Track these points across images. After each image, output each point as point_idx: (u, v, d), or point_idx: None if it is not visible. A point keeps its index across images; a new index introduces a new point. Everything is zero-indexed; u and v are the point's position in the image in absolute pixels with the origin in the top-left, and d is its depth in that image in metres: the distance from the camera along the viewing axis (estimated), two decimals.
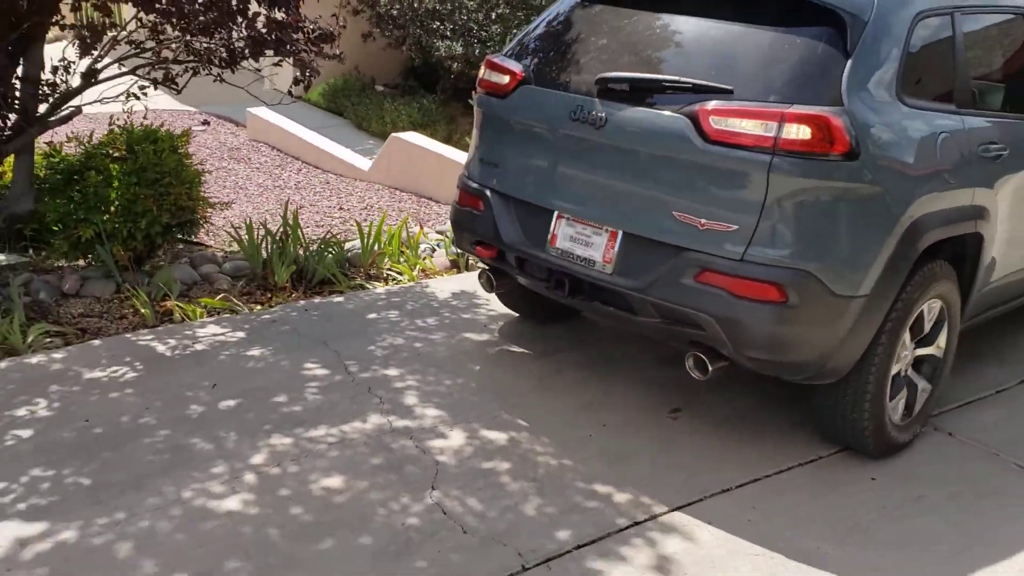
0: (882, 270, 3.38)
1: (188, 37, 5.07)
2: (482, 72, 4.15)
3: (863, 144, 3.25)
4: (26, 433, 3.54)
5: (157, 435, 3.55)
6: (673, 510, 3.27)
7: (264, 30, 5.16)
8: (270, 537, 2.97)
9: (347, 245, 5.90)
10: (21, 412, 3.69)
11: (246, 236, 5.55)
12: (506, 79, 3.99)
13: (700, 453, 3.64)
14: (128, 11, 5.22)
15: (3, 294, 4.78)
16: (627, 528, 3.13)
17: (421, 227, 6.77)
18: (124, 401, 3.81)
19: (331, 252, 5.57)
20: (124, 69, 5.26)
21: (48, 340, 4.40)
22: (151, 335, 4.47)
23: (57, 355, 4.22)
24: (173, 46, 5.12)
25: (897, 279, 3.45)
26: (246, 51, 5.25)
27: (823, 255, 3.28)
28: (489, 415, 3.81)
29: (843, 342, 3.39)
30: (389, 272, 5.63)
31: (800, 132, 3.16)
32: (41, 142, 5.50)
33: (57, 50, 5.33)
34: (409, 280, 5.49)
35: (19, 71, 4.99)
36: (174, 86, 5.40)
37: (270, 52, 5.28)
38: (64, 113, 5.10)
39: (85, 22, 4.94)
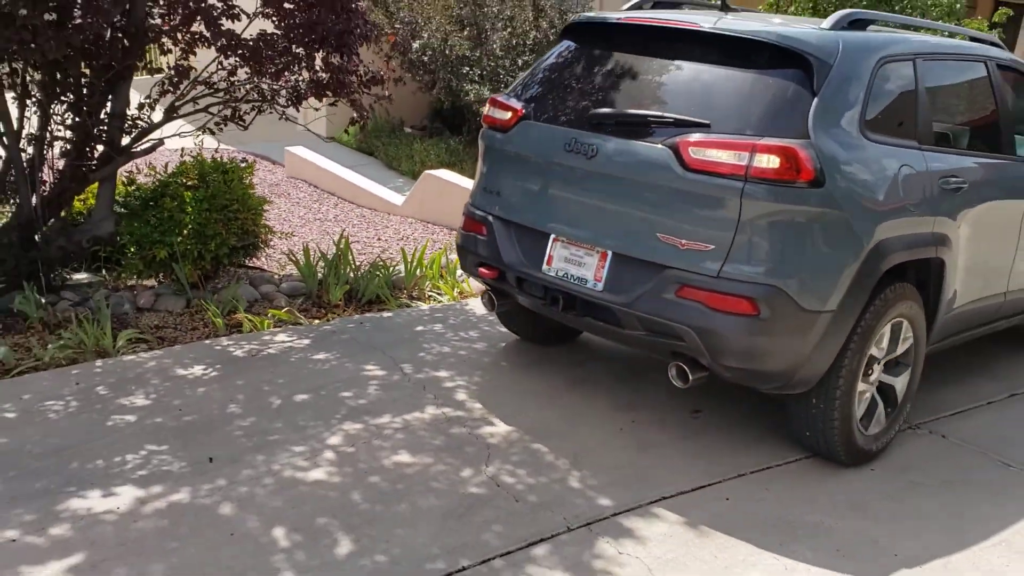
0: (847, 288, 3.68)
1: (258, 80, 5.67)
2: (486, 109, 4.57)
3: (828, 173, 3.57)
4: (130, 418, 4.06)
5: (244, 421, 4.06)
6: (696, 488, 3.75)
7: (323, 74, 5.76)
8: (352, 500, 3.47)
9: (392, 269, 6.44)
10: (123, 402, 4.22)
11: (303, 259, 6.11)
12: (508, 115, 4.37)
13: (719, 446, 4.12)
14: (203, 54, 5.83)
15: (89, 306, 5.32)
16: (658, 500, 3.62)
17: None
18: (210, 394, 4.33)
19: (379, 274, 6.11)
20: (199, 107, 5.85)
21: (134, 344, 4.94)
22: (227, 341, 5.01)
23: (145, 356, 4.75)
24: (246, 87, 5.71)
25: (861, 297, 3.75)
26: (308, 92, 5.85)
27: (792, 272, 3.58)
28: (531, 410, 4.31)
29: (811, 354, 3.68)
30: (430, 293, 6.17)
31: (769, 161, 3.50)
32: (121, 172, 6.08)
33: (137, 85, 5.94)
34: (450, 299, 6.02)
35: (108, 107, 5.58)
36: (241, 123, 5.99)
37: (328, 93, 5.87)
38: (147, 145, 5.68)
39: (171, 66, 5.53)
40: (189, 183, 5.84)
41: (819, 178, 3.55)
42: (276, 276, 6.43)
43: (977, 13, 13.36)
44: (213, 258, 5.83)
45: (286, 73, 5.65)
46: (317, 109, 6.27)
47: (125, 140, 5.69)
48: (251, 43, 5.35)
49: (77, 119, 5.46)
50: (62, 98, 5.44)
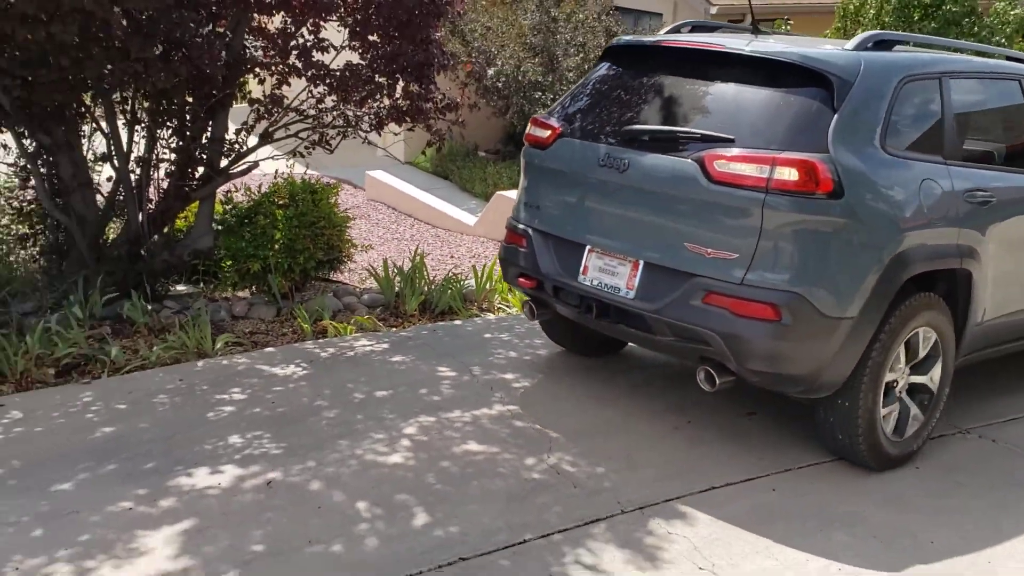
0: (868, 296, 3.82)
1: (344, 107, 6.15)
2: (528, 129, 4.81)
3: (847, 186, 3.74)
4: (229, 409, 4.51)
5: (329, 413, 4.47)
6: (745, 480, 4.01)
7: (403, 102, 6.21)
8: (426, 480, 3.84)
9: (463, 283, 6.84)
10: (221, 396, 4.67)
11: (382, 273, 6.55)
12: (547, 133, 4.60)
13: (769, 444, 4.37)
14: (295, 84, 6.34)
15: (189, 313, 5.82)
16: (707, 489, 3.90)
17: None
18: (299, 390, 4.76)
19: (451, 287, 6.50)
20: (289, 132, 6.36)
21: (230, 347, 5.41)
22: (313, 345, 5.45)
23: (240, 358, 5.22)
24: (332, 114, 6.19)
25: (882, 304, 3.87)
26: (388, 119, 6.31)
27: (812, 280, 3.75)
28: (591, 409, 4.62)
29: (834, 358, 3.83)
30: (499, 305, 6.53)
31: (789, 174, 3.69)
32: (219, 192, 6.62)
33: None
34: (517, 311, 6.37)
35: (208, 132, 6.12)
36: (328, 147, 6.48)
37: (407, 119, 6.32)
38: (243, 167, 6.21)
39: (264, 94, 6.04)
40: (280, 202, 6.34)
41: (838, 190, 3.72)
42: (357, 289, 6.88)
43: None
44: (302, 271, 6.31)
45: (369, 100, 6.11)
46: (396, 134, 6.73)
47: (223, 162, 6.22)
48: (338, 73, 5.83)
49: (180, 143, 6.01)
50: (167, 124, 6.00)
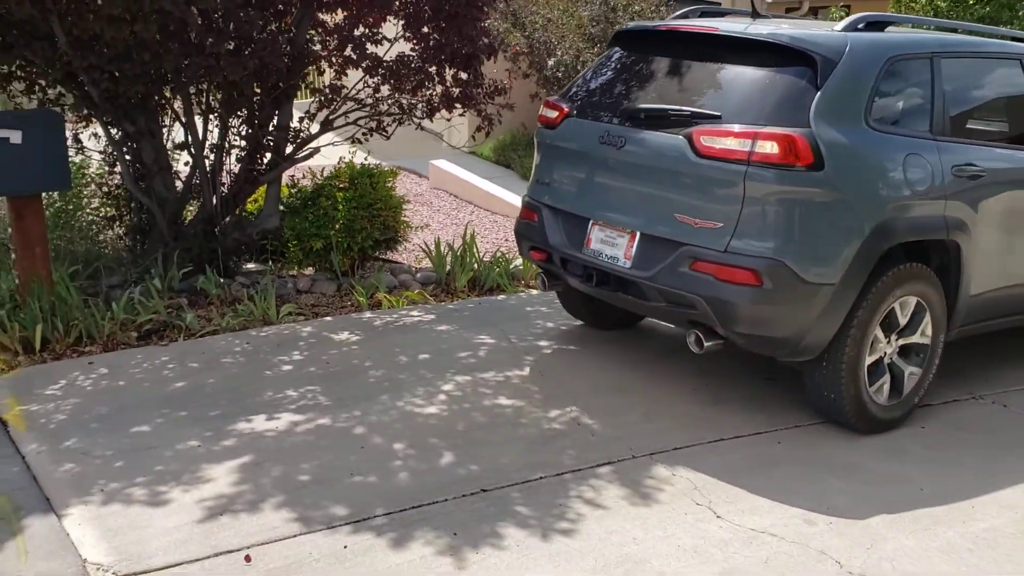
0: (850, 264, 4.01)
1: (399, 95, 6.61)
2: (541, 110, 5.14)
3: (828, 159, 3.93)
4: (288, 367, 5.00)
5: (377, 372, 4.93)
6: (754, 434, 4.32)
7: (454, 89, 6.64)
8: (456, 427, 4.27)
9: (512, 263, 7.24)
10: (282, 357, 5.17)
11: (435, 251, 7.00)
12: (555, 114, 4.91)
13: (783, 404, 4.65)
14: (352, 75, 6.82)
15: (257, 287, 6.36)
16: (716, 441, 4.23)
17: None
18: (352, 352, 5.23)
19: (499, 265, 6.91)
20: (349, 120, 6.85)
21: (293, 316, 5.92)
22: (368, 315, 5.93)
23: (301, 325, 5.72)
24: (388, 102, 6.66)
25: (863, 272, 4.06)
26: (440, 105, 6.75)
27: (793, 247, 3.95)
28: (616, 371, 4.99)
29: (815, 323, 4.02)
30: None
31: (770, 147, 3.90)
32: (285, 176, 7.15)
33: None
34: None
35: (275, 120, 6.64)
36: (384, 133, 6.95)
37: (458, 106, 6.75)
38: (306, 152, 6.72)
39: (324, 85, 6.54)
40: (341, 185, 6.84)
41: (818, 163, 3.92)
42: (413, 267, 7.35)
43: None
44: (360, 249, 6.79)
45: (421, 89, 6.56)
46: (448, 119, 7.15)
47: (288, 148, 6.74)
48: (391, 63, 6.29)
49: (250, 131, 6.54)
50: (238, 113, 6.54)
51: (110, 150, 6.64)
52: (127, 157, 6.45)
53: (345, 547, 3.29)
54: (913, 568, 3.29)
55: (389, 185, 7.03)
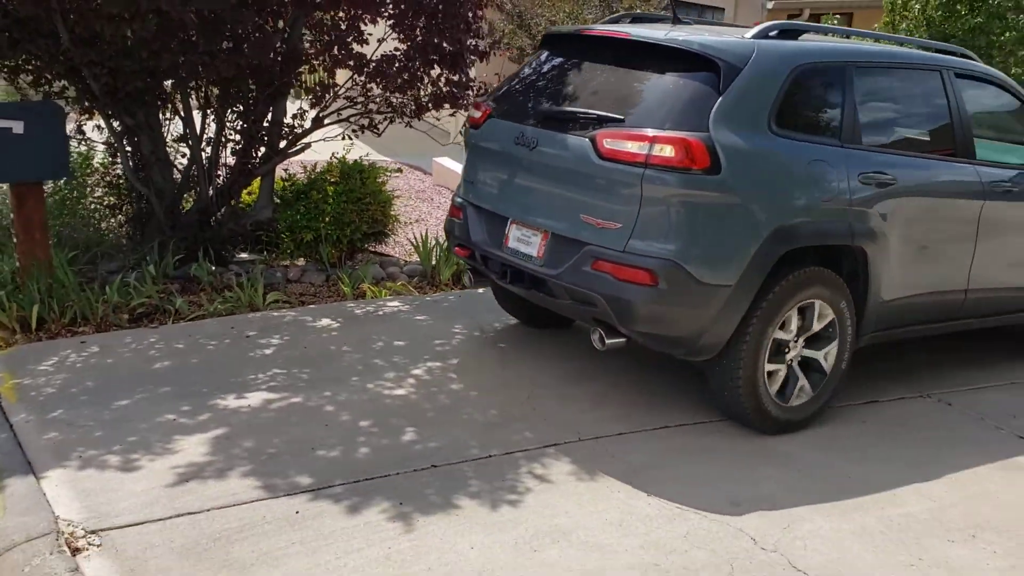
0: (746, 266, 4.07)
1: (387, 94, 6.89)
2: (469, 110, 5.31)
3: (726, 163, 4.00)
4: (268, 351, 5.28)
5: (352, 357, 5.21)
6: (696, 423, 4.55)
7: (445, 89, 6.90)
8: (422, 408, 4.54)
9: None
10: (264, 341, 5.45)
11: (422, 245, 7.26)
12: (479, 114, 5.02)
13: None
14: (343, 74, 7.10)
15: (249, 275, 6.64)
16: (661, 428, 4.47)
17: None
18: (331, 338, 5.51)
19: None
20: (340, 117, 7.13)
21: (278, 304, 6.20)
22: (351, 304, 6.20)
23: (286, 312, 6.00)
24: (377, 100, 6.93)
25: (760, 275, 4.12)
26: (429, 104, 7.01)
27: (688, 249, 4.03)
28: (578, 363, 5.22)
29: (712, 323, 4.11)
30: None
31: (665, 151, 3.98)
32: (281, 169, 7.44)
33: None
34: None
35: (269, 116, 6.93)
36: (375, 131, 7.23)
37: (447, 105, 7.01)
38: (298, 148, 7.00)
39: (316, 83, 6.83)
40: (332, 180, 7.12)
41: (715, 166, 4.00)
42: (402, 261, 7.61)
43: None
44: (349, 241, 7.07)
45: (411, 88, 6.83)
46: (437, 118, 7.42)
47: (282, 144, 7.03)
48: (376, 63, 6.56)
49: (245, 126, 6.83)
50: (234, 109, 6.83)
51: (112, 141, 6.94)
52: (127, 149, 6.75)
53: (297, 512, 3.56)
54: (824, 547, 3.53)
55: (380, 181, 7.31)
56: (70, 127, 6.79)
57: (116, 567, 3.18)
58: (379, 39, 6.78)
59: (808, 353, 4.52)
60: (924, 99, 5.00)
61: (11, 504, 3.57)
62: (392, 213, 7.44)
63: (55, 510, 3.52)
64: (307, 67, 6.89)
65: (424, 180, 13.25)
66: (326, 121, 7.08)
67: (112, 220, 7.37)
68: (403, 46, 6.69)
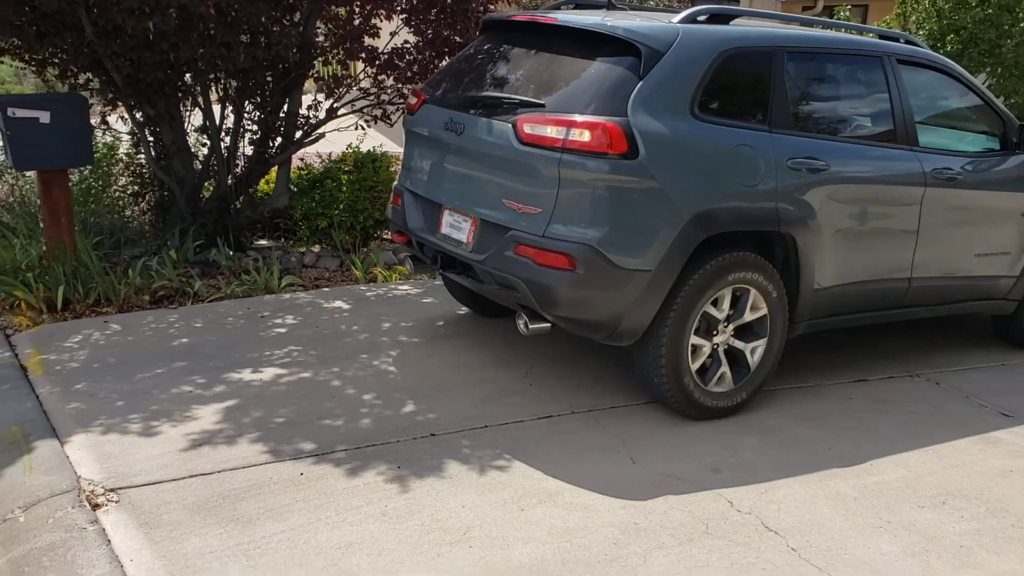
0: (666, 251, 4.04)
1: (399, 85, 7.12)
2: (408, 97, 5.35)
3: (644, 147, 3.96)
4: (281, 330, 5.53)
5: (360, 336, 5.45)
6: None
7: None
8: (423, 383, 4.77)
9: None
10: (278, 320, 5.70)
11: None
12: (415, 100, 5.02)
13: None
14: (357, 65, 7.34)
15: (265, 260, 6.91)
16: (651, 402, 4.65)
17: None
18: (341, 318, 5.76)
19: None
20: (354, 108, 7.37)
21: (293, 287, 6.45)
22: (363, 288, 6.45)
23: (301, 295, 6.26)
24: (389, 92, 7.17)
25: (680, 260, 4.09)
26: None
27: (605, 233, 3.98)
28: (578, 344, 5.42)
29: (631, 308, 4.09)
30: None
31: (581, 135, 3.94)
32: (298, 158, 7.70)
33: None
34: None
35: (285, 107, 7.18)
36: (388, 121, 7.46)
37: None
38: (313, 138, 7.25)
39: (329, 75, 7.07)
40: (346, 169, 7.37)
41: (632, 151, 3.96)
42: None
43: None
44: (362, 228, 7.32)
45: (420, 80, 7.05)
46: None
47: (297, 134, 7.28)
48: (386, 55, 6.79)
49: (262, 116, 7.09)
50: (251, 100, 7.09)
51: (136, 132, 7.22)
52: (149, 139, 7.03)
53: (301, 474, 3.80)
54: (797, 510, 3.71)
55: (392, 170, 7.55)
56: (95, 119, 7.09)
57: (132, 520, 3.43)
58: (391, 32, 7.01)
59: (736, 344, 4.50)
60: (862, 85, 4.92)
61: (36, 465, 3.83)
62: None
63: (77, 471, 3.78)
64: (321, 59, 7.12)
65: None
66: (340, 112, 7.33)
67: (135, 207, 7.66)
68: (415, 39, 6.91)
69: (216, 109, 7.16)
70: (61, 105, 5.88)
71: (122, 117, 7.43)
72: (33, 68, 6.74)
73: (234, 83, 7.00)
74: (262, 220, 7.42)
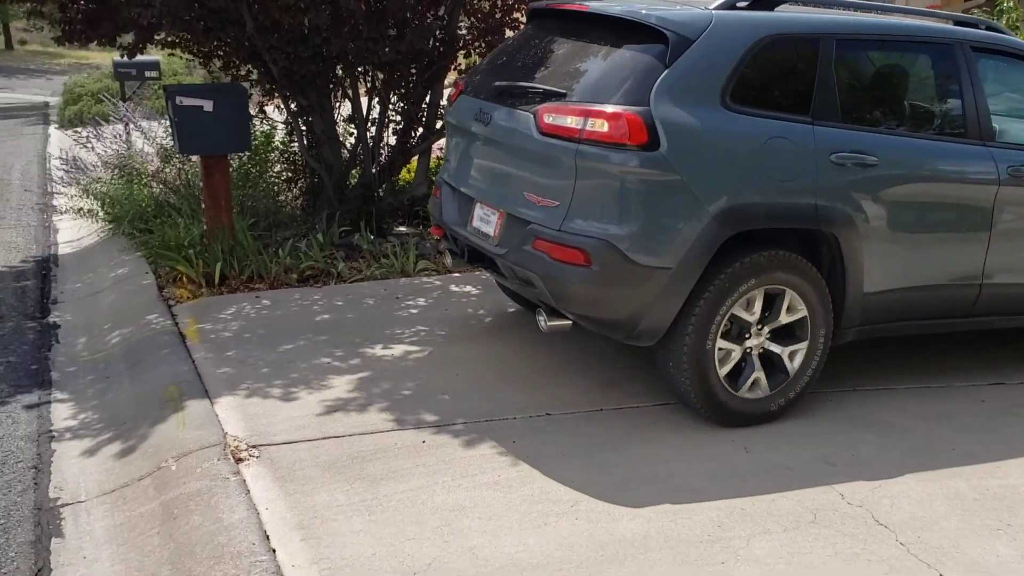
0: (688, 248, 3.81)
1: None
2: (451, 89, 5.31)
3: (667, 138, 3.74)
4: (413, 311, 5.82)
5: (486, 319, 5.68)
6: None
7: None
8: (545, 365, 4.94)
9: None
10: (410, 302, 6.00)
11: None
12: (453, 91, 4.99)
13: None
14: None
15: (404, 245, 7.23)
16: (665, 404, 4.63)
17: None
18: (470, 302, 6.00)
19: None
20: None
21: (427, 271, 6.74)
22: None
23: (433, 279, 6.54)
24: None
25: (705, 258, 3.85)
26: None
27: (622, 228, 3.79)
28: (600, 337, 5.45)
29: (651, 306, 3.88)
30: None
31: (599, 125, 3.75)
32: (435, 149, 8.01)
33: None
34: None
35: (427, 99, 7.49)
36: None
37: None
38: None
39: (469, 66, 7.32)
40: None
41: (653, 142, 3.75)
42: None
43: None
44: None
45: None
46: None
47: (438, 124, 7.58)
48: None
49: (405, 107, 7.42)
50: (396, 92, 7.43)
51: (290, 121, 7.70)
52: (302, 128, 7.48)
53: (423, 442, 4.04)
54: (911, 507, 3.67)
55: None
56: (253, 108, 7.60)
57: (270, 474, 3.75)
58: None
59: (773, 348, 4.23)
60: (927, 75, 4.63)
61: (189, 421, 4.23)
62: None
63: (224, 428, 4.14)
64: (463, 52, 7.39)
65: None
66: None
67: (288, 193, 8.15)
68: None
69: (364, 101, 7.54)
70: (223, 95, 6.35)
71: (278, 107, 7.93)
72: (200, 60, 7.29)
73: (380, 75, 7.35)
74: (402, 207, 7.76)
